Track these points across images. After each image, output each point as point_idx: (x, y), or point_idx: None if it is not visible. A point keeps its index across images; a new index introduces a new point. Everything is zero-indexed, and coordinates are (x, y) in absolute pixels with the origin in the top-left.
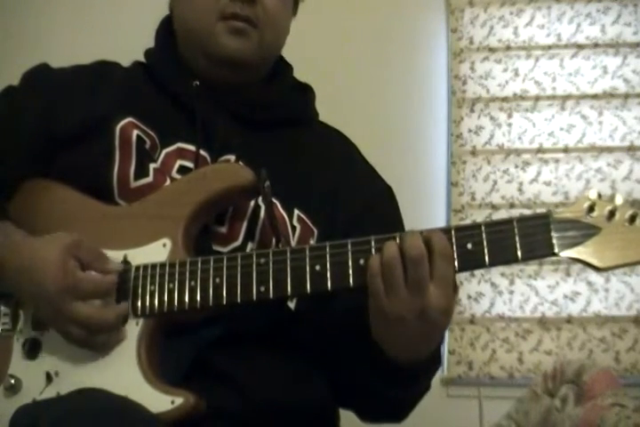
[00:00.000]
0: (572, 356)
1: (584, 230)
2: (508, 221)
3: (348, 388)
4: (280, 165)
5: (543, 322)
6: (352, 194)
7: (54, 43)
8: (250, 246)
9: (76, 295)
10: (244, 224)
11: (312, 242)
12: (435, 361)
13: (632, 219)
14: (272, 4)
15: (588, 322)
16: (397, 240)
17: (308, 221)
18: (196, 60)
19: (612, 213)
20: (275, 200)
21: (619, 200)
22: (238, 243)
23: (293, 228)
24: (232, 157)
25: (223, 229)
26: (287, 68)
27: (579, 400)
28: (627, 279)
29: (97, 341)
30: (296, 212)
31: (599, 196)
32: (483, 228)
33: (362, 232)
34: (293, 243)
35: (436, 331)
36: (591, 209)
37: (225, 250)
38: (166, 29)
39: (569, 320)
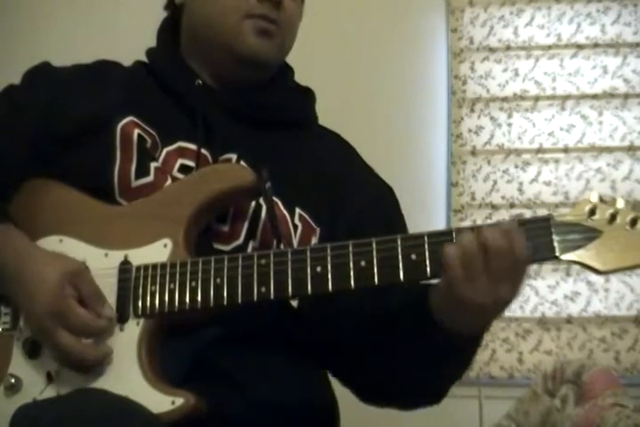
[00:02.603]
0: (572, 356)
1: (585, 234)
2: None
3: (387, 380)
4: (281, 165)
5: (543, 322)
6: (353, 194)
7: (54, 42)
8: (251, 245)
9: (63, 324)
10: (246, 223)
11: (314, 240)
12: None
13: (633, 222)
14: (292, 8)
15: (588, 322)
16: (472, 232)
17: (309, 219)
18: (211, 58)
19: (613, 217)
20: (276, 199)
21: (620, 204)
22: (240, 241)
23: (295, 226)
24: (233, 156)
25: (225, 228)
26: (289, 70)
27: (579, 400)
28: (627, 279)
29: (76, 369)
30: (297, 210)
31: (600, 199)
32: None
33: (364, 231)
34: (295, 241)
35: (496, 316)
36: (592, 212)
37: (227, 248)
38: (168, 29)
39: (569, 320)
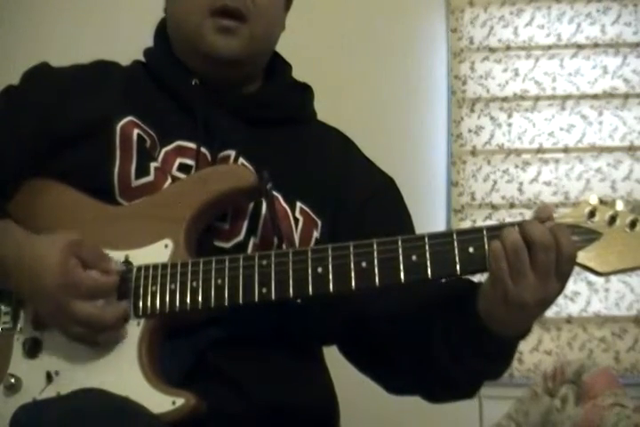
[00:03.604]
0: (571, 356)
1: (585, 235)
2: (510, 226)
3: (420, 375)
4: (280, 161)
5: (543, 322)
6: (354, 186)
7: (54, 42)
8: (252, 242)
9: (76, 294)
10: (246, 220)
11: (316, 233)
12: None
13: (633, 224)
14: None
15: (587, 322)
16: (516, 228)
17: (310, 212)
18: (190, 58)
19: (612, 219)
20: (276, 194)
21: (619, 206)
22: (240, 238)
23: (296, 220)
24: (232, 153)
25: (225, 225)
26: (286, 66)
27: (579, 400)
28: (627, 279)
29: (98, 339)
30: (298, 204)
31: (600, 201)
32: (484, 232)
33: (368, 223)
34: (297, 235)
35: (538, 316)
36: (592, 214)
37: (227, 246)
38: (164, 29)
39: (569, 320)
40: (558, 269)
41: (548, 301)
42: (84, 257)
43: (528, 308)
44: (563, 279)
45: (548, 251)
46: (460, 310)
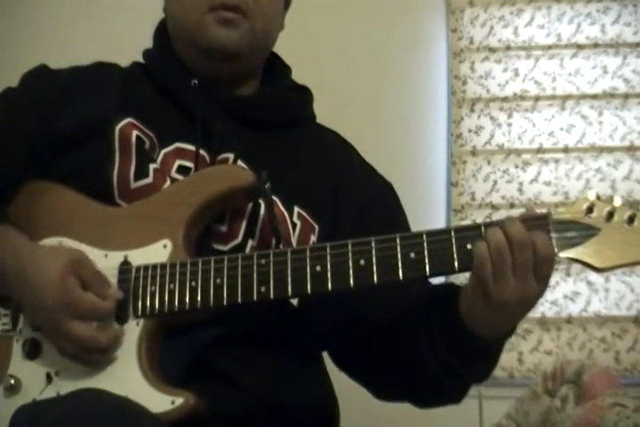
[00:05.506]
0: (571, 356)
1: (583, 231)
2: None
3: (405, 379)
4: (279, 164)
5: (543, 322)
6: (353, 190)
7: (54, 43)
8: (250, 244)
9: (74, 314)
10: (244, 222)
11: (313, 238)
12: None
13: (631, 220)
14: None
15: (587, 322)
16: (499, 227)
17: (308, 217)
18: (191, 56)
19: (610, 214)
20: (274, 198)
21: (617, 201)
22: (238, 241)
23: (294, 225)
24: (230, 156)
25: (223, 228)
26: (285, 69)
27: (579, 400)
28: (627, 279)
29: (89, 359)
30: (296, 209)
31: (598, 197)
32: (483, 228)
33: (366, 227)
34: (294, 240)
35: (521, 317)
36: (590, 210)
37: (225, 248)
38: (164, 30)
39: (569, 320)
40: (536, 269)
41: (530, 300)
42: (84, 277)
43: (510, 307)
44: (542, 281)
45: (523, 249)
46: (442, 312)
